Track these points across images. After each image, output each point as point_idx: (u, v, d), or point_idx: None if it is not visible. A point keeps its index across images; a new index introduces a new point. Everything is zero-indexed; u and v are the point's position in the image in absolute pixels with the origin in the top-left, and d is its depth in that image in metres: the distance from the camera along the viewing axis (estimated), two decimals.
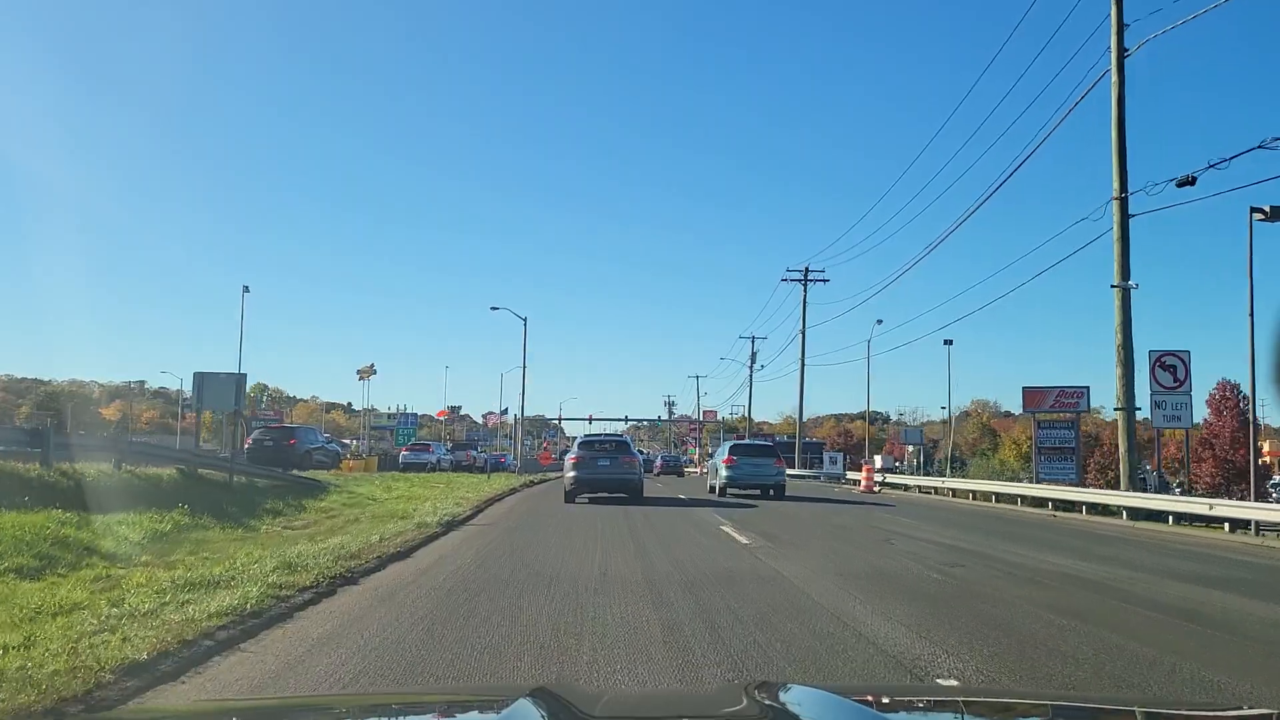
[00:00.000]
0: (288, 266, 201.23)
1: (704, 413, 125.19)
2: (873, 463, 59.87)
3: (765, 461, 27.28)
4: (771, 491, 26.32)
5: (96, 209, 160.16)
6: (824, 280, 55.31)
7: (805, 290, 55.35)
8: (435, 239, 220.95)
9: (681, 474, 57.20)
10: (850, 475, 45.65)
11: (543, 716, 1.84)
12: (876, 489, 35.57)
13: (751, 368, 73.40)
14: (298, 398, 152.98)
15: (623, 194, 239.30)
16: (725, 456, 27.84)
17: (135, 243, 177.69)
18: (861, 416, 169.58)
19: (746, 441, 37.96)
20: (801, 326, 55.46)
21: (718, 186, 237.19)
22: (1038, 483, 31.06)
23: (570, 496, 22.51)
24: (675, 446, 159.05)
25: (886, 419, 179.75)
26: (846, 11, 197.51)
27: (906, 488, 36.53)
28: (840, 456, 58.17)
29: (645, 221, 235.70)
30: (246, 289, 53.07)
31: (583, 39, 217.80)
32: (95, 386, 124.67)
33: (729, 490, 26.59)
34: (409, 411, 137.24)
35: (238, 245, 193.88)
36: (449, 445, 52.78)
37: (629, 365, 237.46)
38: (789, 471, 57.60)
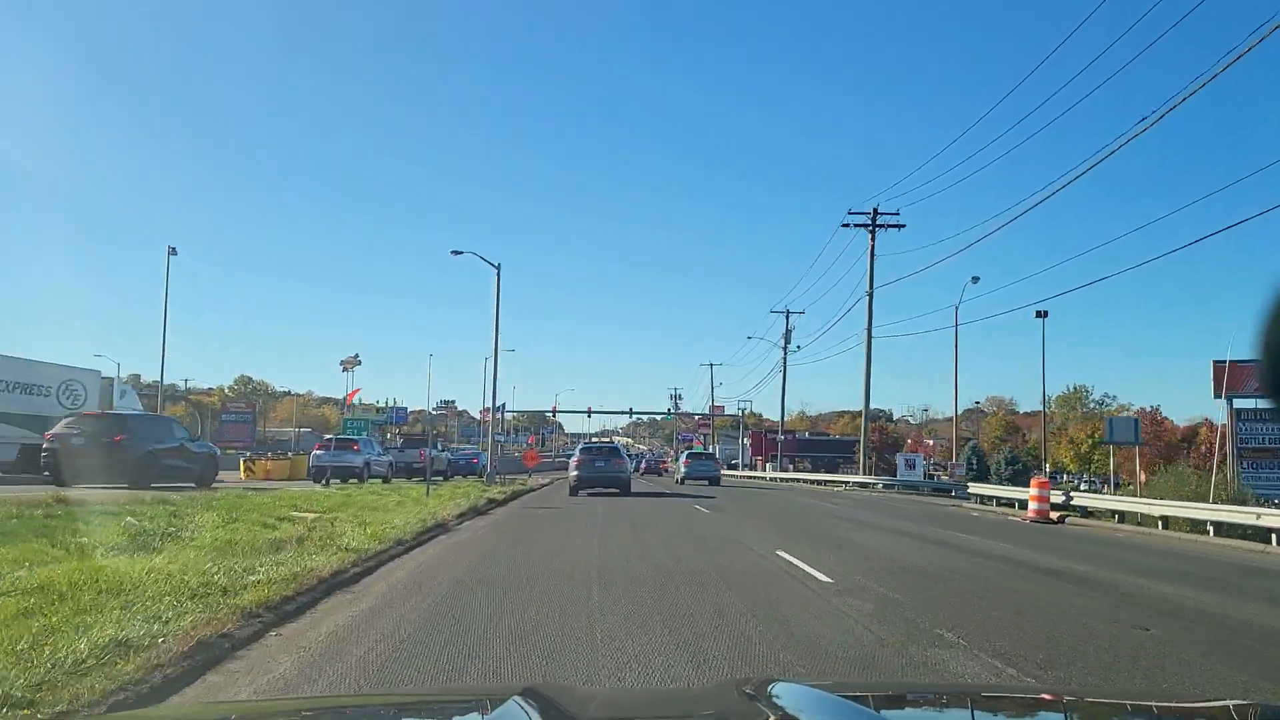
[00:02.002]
0: (287, 265, 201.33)
1: (713, 406, 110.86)
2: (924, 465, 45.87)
3: (709, 463, 42.19)
4: (710, 482, 38.77)
5: (95, 207, 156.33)
6: (898, 226, 41.22)
7: (873, 238, 41.20)
8: (433, 238, 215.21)
9: (660, 473, 61.95)
10: (981, 490, 29.95)
11: (532, 718, 1.82)
12: (1055, 518, 21.32)
13: (785, 348, 59.24)
14: (291, 392, 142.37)
15: (623, 194, 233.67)
16: (684, 460, 44.51)
17: (134, 241, 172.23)
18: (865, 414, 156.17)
19: (698, 450, 55.06)
20: (868, 286, 41.30)
21: (718, 186, 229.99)
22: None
23: (574, 491, 27.50)
24: (680, 443, 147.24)
25: (890, 417, 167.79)
26: (850, 10, 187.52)
27: (1120, 516, 21.38)
28: (919, 459, 43.79)
29: (647, 220, 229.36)
30: (173, 251, 42.37)
31: (583, 40, 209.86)
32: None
33: (686, 481, 39.62)
34: (399, 406, 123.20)
35: (238, 244, 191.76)
36: (399, 442, 38.92)
37: (633, 359, 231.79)
38: (855, 478, 44.02)
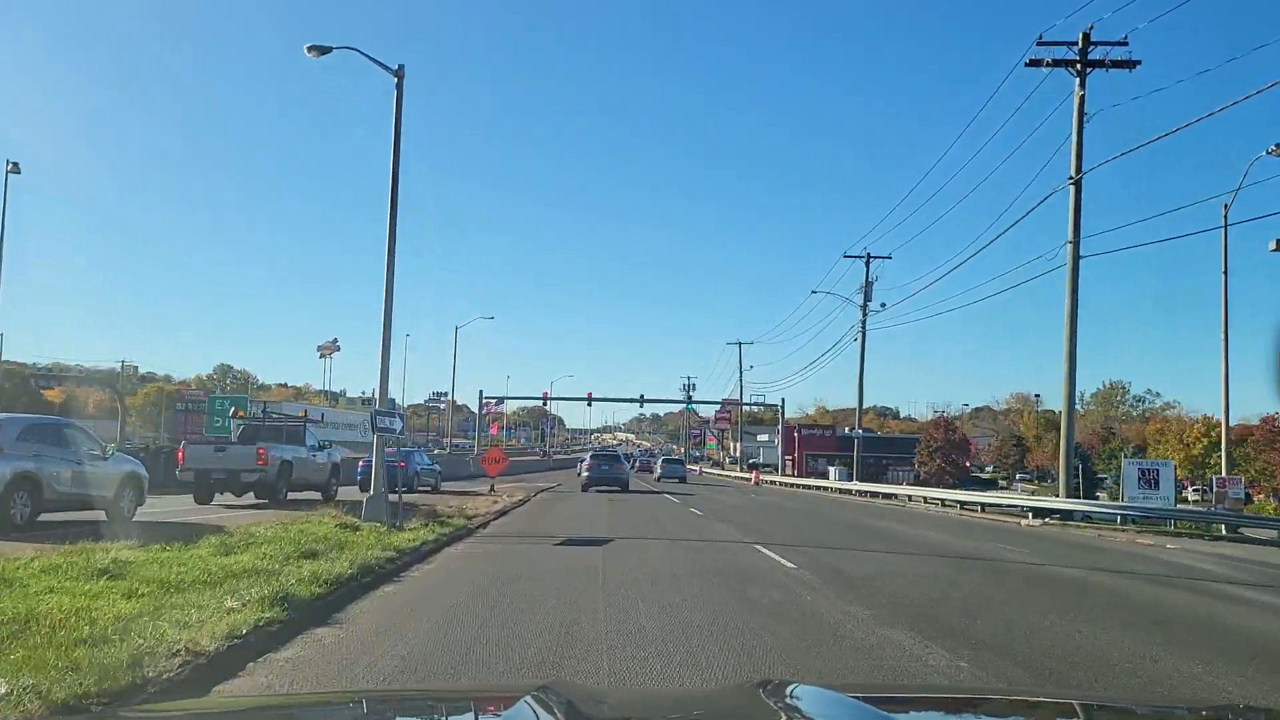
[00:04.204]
0: (290, 263, 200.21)
1: (724, 401, 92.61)
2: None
3: (679, 465, 54.89)
4: (682, 479, 48.41)
5: (108, 206, 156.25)
6: (1127, 64, 22.91)
7: (1083, 82, 22.88)
8: (431, 235, 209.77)
9: (651, 470, 62.41)
10: None
11: (544, 717, 1.77)
12: None
13: (865, 306, 40.83)
14: (288, 384, 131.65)
15: (623, 193, 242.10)
16: (660, 463, 57.44)
17: (147, 238, 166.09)
18: (868, 411, 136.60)
19: (670, 457, 72.22)
20: (1073, 168, 22.96)
21: (719, 186, 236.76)
22: None
23: (585, 488, 33.01)
24: (690, 439, 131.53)
25: (896, 414, 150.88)
26: (850, 11, 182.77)
27: None
28: (1165, 468, 24.32)
29: (648, 218, 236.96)
30: (14, 168, 31.09)
31: (583, 40, 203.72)
32: (78, 369, 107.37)
33: (662, 479, 47.60)
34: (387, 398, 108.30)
35: (247, 242, 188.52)
36: (237, 427, 20.77)
37: (641, 351, 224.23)
38: (1050, 502, 25.38)
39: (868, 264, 40.47)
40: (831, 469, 48.76)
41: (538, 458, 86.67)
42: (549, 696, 1.91)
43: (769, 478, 57.05)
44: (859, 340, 41.01)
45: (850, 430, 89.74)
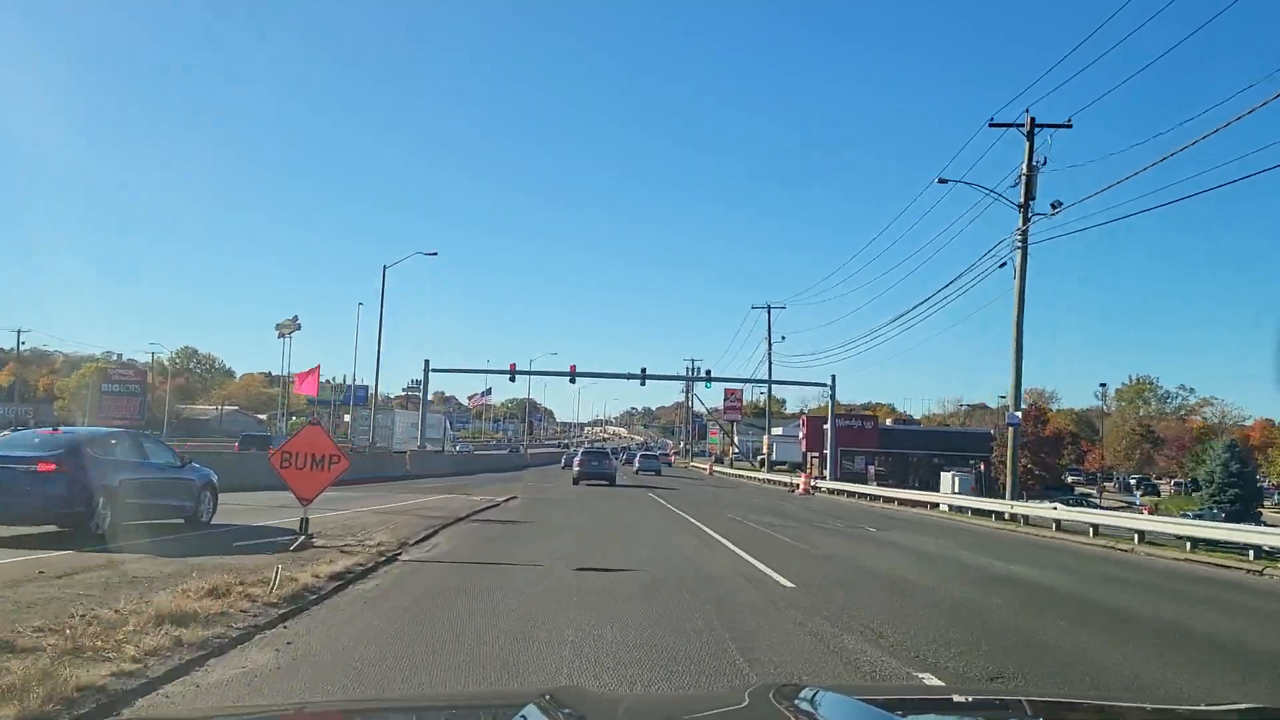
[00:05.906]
0: (288, 257, 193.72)
1: (727, 391, 77.75)
2: None
3: (655, 459, 60.88)
4: (657, 473, 53.35)
5: (112, 199, 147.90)
6: None
7: None
8: (428, 230, 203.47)
9: (634, 464, 60.98)
10: None
11: None
12: None
13: (1026, 206, 23.68)
14: (272, 373, 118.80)
15: (621, 191, 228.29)
16: (638, 458, 61.85)
17: (147, 229, 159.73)
18: (867, 408, 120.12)
19: (648, 452, 71.18)
20: None
21: (720, 183, 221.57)
22: None
23: (577, 481, 35.27)
24: (693, 431, 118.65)
25: (893, 409, 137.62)
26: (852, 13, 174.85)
27: None
28: None
29: (643, 216, 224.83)
30: None
31: (587, 41, 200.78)
32: (59, 356, 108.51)
33: (639, 473, 51.24)
34: (360, 385, 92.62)
35: (252, 237, 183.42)
36: None
37: (641, 341, 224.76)
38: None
39: (1030, 136, 23.44)
40: (946, 476, 31.87)
41: (518, 452, 74.80)
42: (557, 703, 1.85)
43: (821, 483, 40.02)
44: (1007, 265, 24.00)
45: (895, 423, 72.83)
